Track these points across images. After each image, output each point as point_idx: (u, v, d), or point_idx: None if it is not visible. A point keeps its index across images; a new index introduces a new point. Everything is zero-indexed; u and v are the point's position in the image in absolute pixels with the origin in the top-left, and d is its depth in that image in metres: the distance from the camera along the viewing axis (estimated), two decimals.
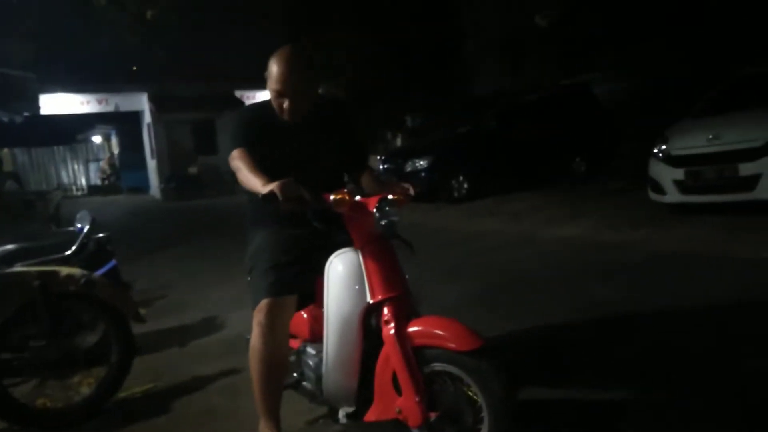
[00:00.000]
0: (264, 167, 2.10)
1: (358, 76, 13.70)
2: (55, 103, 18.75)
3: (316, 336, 2.31)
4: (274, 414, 2.31)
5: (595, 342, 3.20)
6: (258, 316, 2.20)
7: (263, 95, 3.06)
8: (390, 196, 2.07)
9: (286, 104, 2.20)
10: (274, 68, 2.19)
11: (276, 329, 2.20)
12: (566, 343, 3.25)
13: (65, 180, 27.76)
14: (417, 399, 1.95)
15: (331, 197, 2.00)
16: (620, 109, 11.26)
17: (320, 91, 2.48)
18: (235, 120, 2.34)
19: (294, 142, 2.29)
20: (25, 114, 13.04)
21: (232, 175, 2.19)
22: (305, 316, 2.40)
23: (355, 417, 2.23)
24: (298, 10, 12.52)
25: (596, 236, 5.79)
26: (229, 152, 2.23)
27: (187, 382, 3.33)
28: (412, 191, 2.21)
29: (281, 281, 2.19)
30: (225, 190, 17.32)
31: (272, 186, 1.91)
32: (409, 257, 2.25)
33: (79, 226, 3.56)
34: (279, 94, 2.20)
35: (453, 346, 1.90)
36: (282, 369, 2.33)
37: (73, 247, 3.37)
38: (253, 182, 2.04)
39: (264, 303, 2.18)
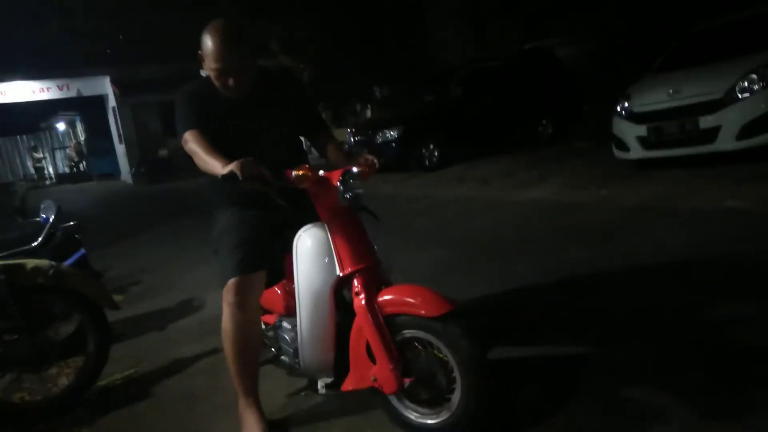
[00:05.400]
0: (218, 146, 2.07)
1: (323, 51, 13.51)
2: (13, 92, 18.23)
3: (291, 310, 2.33)
4: (252, 392, 2.34)
5: (566, 301, 3.26)
6: (227, 296, 2.19)
7: None
8: (354, 169, 2.08)
9: (231, 82, 2.14)
10: (209, 46, 2.10)
11: (246, 307, 2.21)
12: (538, 303, 3.32)
13: (32, 170, 27.10)
14: (391, 366, 2.00)
15: (293, 173, 1.99)
16: (583, 70, 11.32)
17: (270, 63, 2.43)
18: (179, 101, 2.25)
19: (244, 115, 2.25)
20: None
21: (189, 159, 2.14)
22: (279, 291, 2.43)
23: (334, 387, 2.27)
24: None
25: (564, 196, 5.88)
26: (180, 136, 2.17)
27: (167, 365, 3.33)
28: (377, 163, 2.20)
29: (247, 259, 2.18)
30: (197, 172, 16.99)
31: (231, 166, 1.88)
32: (377, 228, 2.27)
33: (44, 216, 3.51)
34: (221, 73, 2.13)
35: (423, 312, 1.95)
36: (256, 346, 2.35)
37: (39, 239, 3.31)
38: (212, 164, 2.00)
39: (232, 282, 2.17)
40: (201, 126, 2.15)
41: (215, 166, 1.98)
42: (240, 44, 2.12)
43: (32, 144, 26.64)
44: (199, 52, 2.14)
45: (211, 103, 2.22)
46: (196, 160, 2.11)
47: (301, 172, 1.99)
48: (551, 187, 6.44)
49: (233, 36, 2.11)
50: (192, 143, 2.12)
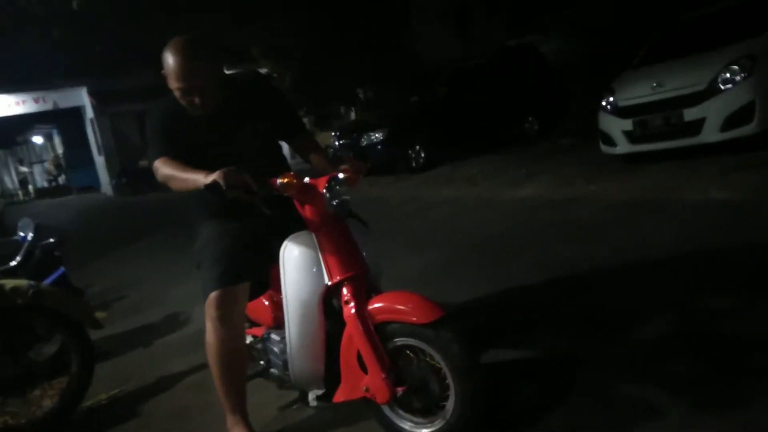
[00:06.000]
0: (193, 164, 2.00)
1: (305, 53, 13.44)
2: None
3: (279, 322, 2.27)
4: (240, 407, 2.29)
5: (558, 298, 3.25)
6: (209, 311, 2.15)
7: None
8: (340, 175, 2.03)
9: (196, 100, 2.06)
10: (170, 65, 2.03)
11: (229, 321, 2.16)
12: (530, 301, 3.31)
13: (9, 185, 26.81)
14: (383, 376, 1.96)
15: (278, 181, 1.94)
16: (567, 66, 11.37)
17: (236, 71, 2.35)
18: (148, 125, 2.18)
19: (217, 130, 2.17)
20: None
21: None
22: (266, 303, 2.38)
23: (325, 399, 2.22)
24: None
25: (553, 193, 5.87)
26: (151, 164, 2.11)
27: (154, 382, 3.28)
28: (363, 168, 2.15)
29: (229, 271, 2.13)
30: None
31: (214, 176, 1.83)
32: (365, 234, 2.22)
33: (22, 234, 3.44)
34: (184, 92, 2.05)
35: (414, 319, 1.91)
36: (241, 361, 2.30)
37: (18, 258, 3.25)
38: (192, 179, 1.94)
39: (213, 296, 2.13)
40: (170, 152, 2.07)
41: (196, 179, 1.92)
42: (201, 61, 2.04)
43: (19, 158, 26.93)
44: (162, 71, 2.06)
45: (180, 121, 2.14)
46: (174, 184, 2.03)
47: (285, 180, 1.93)
48: (540, 184, 6.43)
49: (193, 53, 2.03)
50: (163, 168, 2.06)
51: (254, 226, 2.23)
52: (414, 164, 9.58)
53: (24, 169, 26.34)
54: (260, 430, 2.36)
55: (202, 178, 1.88)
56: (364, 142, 9.78)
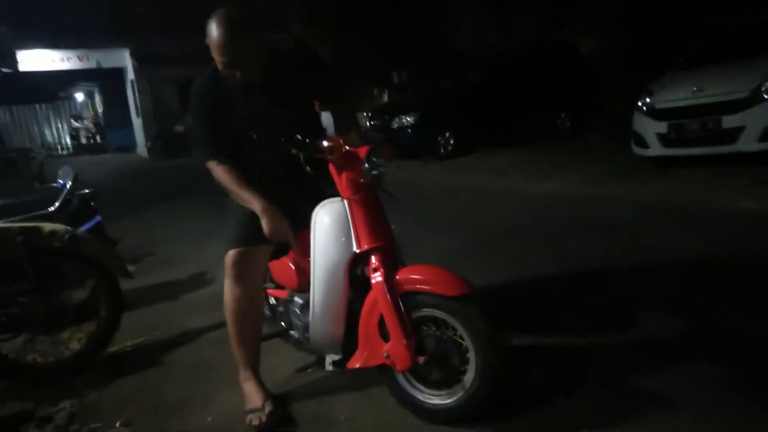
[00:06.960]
0: (236, 131, 2.12)
1: (342, 33, 13.45)
2: (33, 60, 18.25)
3: (303, 286, 2.34)
4: (252, 363, 2.36)
5: (575, 291, 3.27)
6: (227, 268, 2.24)
7: None
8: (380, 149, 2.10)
9: (238, 74, 2.06)
10: (214, 37, 2.00)
11: (245, 280, 2.24)
12: (547, 292, 3.32)
13: (49, 139, 27.33)
14: (405, 343, 2.00)
15: (325, 143, 2.02)
16: (602, 64, 11.14)
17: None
18: (192, 102, 2.21)
19: (259, 100, 2.17)
20: (4, 70, 12.67)
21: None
22: (292, 266, 2.43)
23: (341, 364, 2.28)
24: None
25: (580, 190, 5.83)
26: (199, 156, 2.23)
27: (177, 335, 3.37)
28: (395, 154, 2.24)
29: (249, 232, 2.19)
30: None
31: (263, 216, 2.08)
32: (394, 209, 2.27)
33: (61, 182, 3.53)
34: (227, 66, 2.05)
35: (442, 291, 1.95)
36: (255, 319, 2.37)
37: (56, 203, 3.33)
38: (246, 199, 2.14)
39: (231, 254, 2.21)
40: (220, 152, 2.19)
41: (249, 200, 2.13)
42: (244, 36, 2.01)
43: (73, 114, 27.62)
44: (206, 40, 2.04)
45: (224, 93, 2.15)
46: (229, 190, 2.20)
47: (333, 143, 2.01)
48: (567, 180, 6.39)
49: (236, 28, 2.00)
50: (220, 174, 2.19)
51: (286, 192, 2.26)
52: (442, 150, 9.56)
53: (77, 124, 27.04)
54: (273, 388, 2.41)
55: (254, 205, 2.10)
56: (394, 124, 9.76)
